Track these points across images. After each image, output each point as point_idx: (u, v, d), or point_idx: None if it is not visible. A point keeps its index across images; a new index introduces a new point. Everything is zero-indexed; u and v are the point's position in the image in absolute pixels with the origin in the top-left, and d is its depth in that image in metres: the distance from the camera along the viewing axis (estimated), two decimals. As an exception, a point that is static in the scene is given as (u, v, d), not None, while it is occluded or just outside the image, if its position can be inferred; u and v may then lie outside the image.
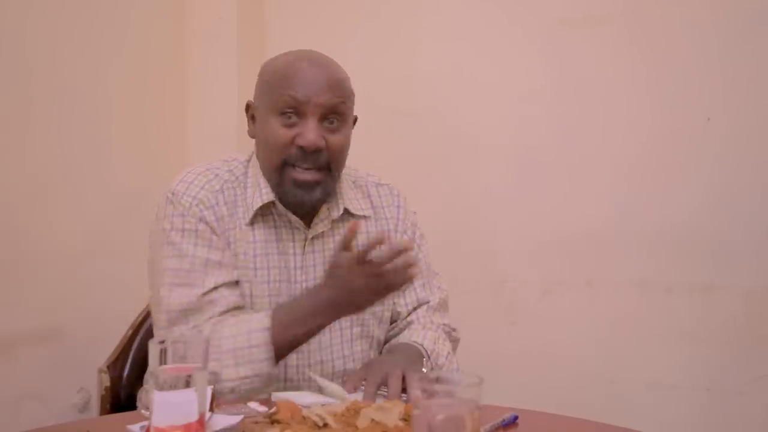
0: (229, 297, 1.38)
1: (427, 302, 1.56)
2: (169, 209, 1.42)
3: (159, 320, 1.40)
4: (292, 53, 1.45)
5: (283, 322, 1.32)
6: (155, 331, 1.42)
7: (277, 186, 1.41)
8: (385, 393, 1.29)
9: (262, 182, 1.44)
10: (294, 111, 1.37)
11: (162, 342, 0.96)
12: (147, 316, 1.76)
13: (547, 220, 2.25)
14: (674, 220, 2.10)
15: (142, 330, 1.73)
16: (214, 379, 1.29)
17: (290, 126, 1.38)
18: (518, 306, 2.29)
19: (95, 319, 2.15)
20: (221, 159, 1.52)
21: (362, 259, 1.24)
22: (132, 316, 1.76)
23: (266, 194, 1.43)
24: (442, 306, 1.59)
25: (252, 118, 1.47)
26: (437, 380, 0.85)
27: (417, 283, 1.56)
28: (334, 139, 1.40)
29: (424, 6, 2.42)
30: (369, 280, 1.26)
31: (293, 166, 1.39)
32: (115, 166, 2.29)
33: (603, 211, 2.19)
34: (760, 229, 2.02)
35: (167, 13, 2.50)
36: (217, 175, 1.45)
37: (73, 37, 2.16)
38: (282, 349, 1.33)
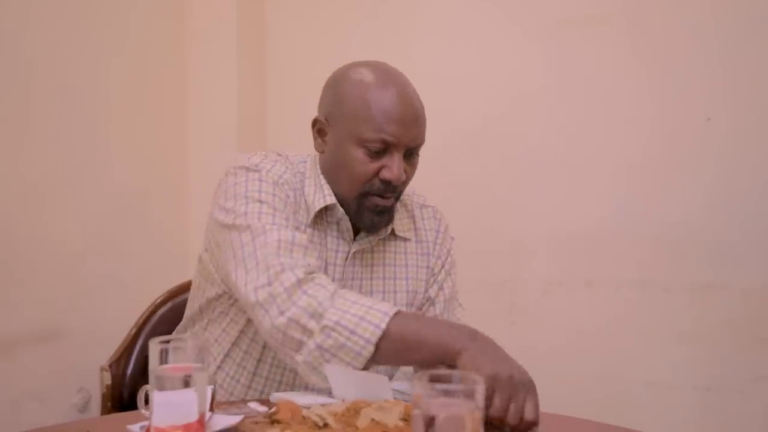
0: (315, 264, 1.33)
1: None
2: (253, 176, 1.38)
3: (266, 250, 1.28)
4: (371, 73, 1.40)
5: (409, 320, 1.23)
6: (256, 263, 1.28)
7: (355, 212, 1.41)
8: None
9: (324, 184, 1.43)
10: (381, 149, 1.36)
11: (163, 342, 0.97)
12: (151, 314, 1.77)
13: (546, 220, 2.25)
14: (674, 220, 2.10)
15: (146, 329, 1.74)
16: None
17: (374, 159, 1.37)
18: (518, 306, 2.29)
19: (95, 319, 2.15)
20: (274, 151, 1.49)
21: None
22: (132, 316, 1.76)
23: (329, 197, 1.42)
24: None
25: (319, 132, 1.45)
26: (437, 380, 0.85)
27: (436, 309, 1.54)
28: (411, 169, 1.42)
29: (424, 6, 2.42)
30: (513, 393, 1.12)
31: (374, 195, 1.39)
32: (115, 166, 2.30)
33: (602, 211, 2.19)
34: (760, 229, 2.02)
35: (167, 13, 2.50)
36: (287, 165, 1.44)
37: (72, 36, 2.17)
38: (390, 340, 1.21)
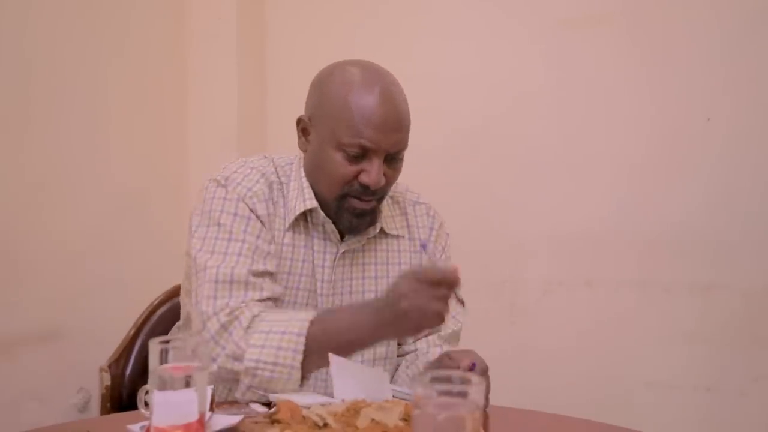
0: (273, 287, 1.38)
1: (438, 331, 1.53)
2: (219, 192, 1.40)
3: (202, 292, 1.34)
4: (355, 74, 1.37)
5: (323, 329, 1.28)
6: (193, 309, 1.37)
7: (335, 213, 1.41)
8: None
9: (306, 188, 1.43)
10: (360, 153, 1.35)
11: (162, 342, 0.97)
12: (150, 315, 1.77)
13: (547, 220, 2.25)
14: (674, 220, 2.10)
15: (145, 329, 1.74)
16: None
17: (353, 162, 1.35)
18: (518, 306, 2.29)
19: (95, 319, 2.15)
20: (261, 156, 1.49)
21: (428, 280, 1.20)
22: (132, 316, 1.76)
23: (309, 201, 1.42)
24: (453, 338, 1.56)
25: (303, 131, 1.44)
26: (437, 380, 0.85)
27: None
28: (392, 173, 1.40)
29: (424, 6, 2.42)
30: (425, 303, 1.20)
31: (352, 197, 1.38)
32: (115, 166, 2.30)
33: (603, 211, 2.19)
34: (760, 229, 2.02)
35: (167, 13, 2.50)
36: (264, 174, 1.44)
37: (72, 36, 2.17)
38: (313, 356, 1.27)
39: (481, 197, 2.33)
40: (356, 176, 1.36)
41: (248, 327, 1.29)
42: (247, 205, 1.39)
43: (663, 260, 2.11)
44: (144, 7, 2.41)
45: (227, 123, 2.54)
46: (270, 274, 1.38)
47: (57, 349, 2.10)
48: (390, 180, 1.40)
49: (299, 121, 1.44)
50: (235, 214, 1.38)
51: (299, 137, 1.45)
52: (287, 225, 1.42)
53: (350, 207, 1.38)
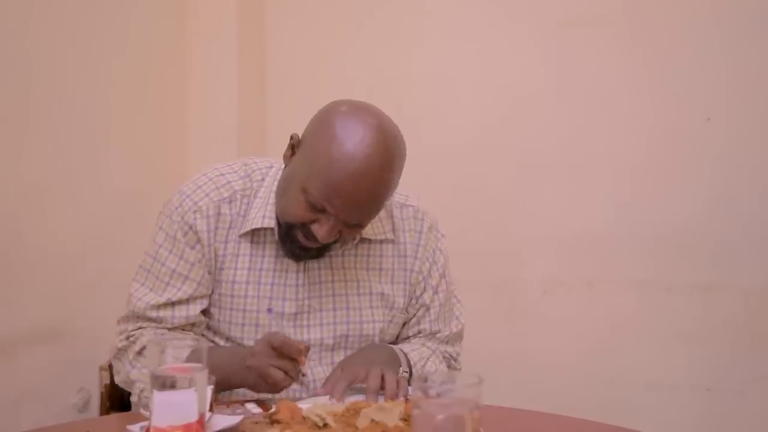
0: (179, 316, 1.40)
1: (437, 333, 1.51)
2: (166, 208, 1.43)
3: (122, 315, 1.46)
4: (353, 132, 1.27)
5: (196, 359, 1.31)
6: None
7: (281, 237, 1.37)
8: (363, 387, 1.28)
9: (271, 203, 1.39)
10: (320, 207, 1.29)
11: (162, 342, 0.97)
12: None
13: (547, 220, 2.25)
14: (674, 221, 2.10)
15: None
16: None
17: (311, 209, 1.29)
18: (518, 306, 2.29)
19: (95, 319, 2.15)
20: (242, 161, 1.47)
21: (275, 347, 1.23)
22: (132, 316, 1.76)
23: (268, 218, 1.38)
24: (454, 338, 1.54)
25: (292, 148, 1.37)
26: (437, 381, 0.85)
27: (431, 315, 1.51)
28: (349, 232, 1.34)
29: (425, 6, 2.42)
30: (264, 367, 1.23)
31: (301, 232, 1.33)
32: (115, 167, 2.30)
33: (603, 212, 2.19)
34: (760, 229, 2.02)
35: (167, 13, 2.49)
36: (229, 182, 1.41)
37: (73, 37, 2.16)
38: None
39: (481, 197, 2.33)
40: (310, 222, 1.31)
41: (139, 353, 1.37)
42: (177, 223, 1.39)
43: (663, 260, 2.12)
44: (145, 7, 2.40)
45: (227, 123, 2.54)
46: (181, 301, 1.39)
47: (57, 349, 2.10)
48: (345, 236, 1.35)
49: (292, 137, 1.38)
50: (167, 233, 1.41)
51: (287, 150, 1.39)
52: (242, 234, 1.39)
53: (295, 239, 1.34)
